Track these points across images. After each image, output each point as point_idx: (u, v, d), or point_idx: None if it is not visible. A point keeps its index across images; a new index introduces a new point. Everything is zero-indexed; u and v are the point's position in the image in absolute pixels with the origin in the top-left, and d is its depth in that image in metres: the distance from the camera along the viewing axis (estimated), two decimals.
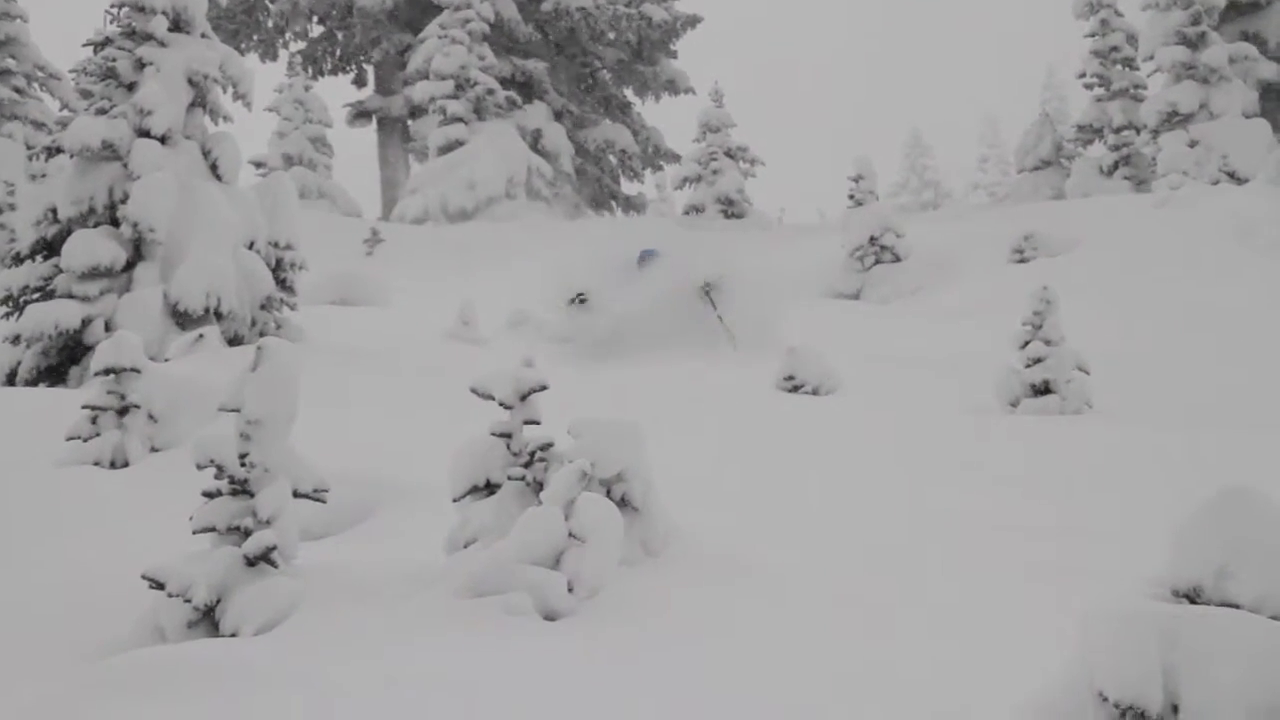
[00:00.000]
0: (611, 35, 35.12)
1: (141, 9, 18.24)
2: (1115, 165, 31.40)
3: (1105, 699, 5.69)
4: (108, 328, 17.03)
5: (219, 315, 17.70)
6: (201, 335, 17.22)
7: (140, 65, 18.32)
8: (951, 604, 8.43)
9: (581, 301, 19.47)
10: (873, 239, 26.86)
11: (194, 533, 8.21)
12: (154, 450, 12.92)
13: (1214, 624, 5.71)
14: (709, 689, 6.79)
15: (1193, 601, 5.90)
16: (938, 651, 7.31)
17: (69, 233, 17.95)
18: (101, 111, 18.20)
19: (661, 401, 14.07)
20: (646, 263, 21.34)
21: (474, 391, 8.91)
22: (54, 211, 18.13)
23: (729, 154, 33.79)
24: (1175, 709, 5.61)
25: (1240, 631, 5.70)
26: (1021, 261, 24.88)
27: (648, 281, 20.33)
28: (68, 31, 20.52)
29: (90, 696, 6.76)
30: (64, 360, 17.53)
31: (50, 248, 18.13)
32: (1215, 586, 5.89)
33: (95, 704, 6.59)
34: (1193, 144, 28.42)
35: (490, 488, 8.83)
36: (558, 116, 34.33)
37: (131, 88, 18.28)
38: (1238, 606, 5.83)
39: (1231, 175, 28.25)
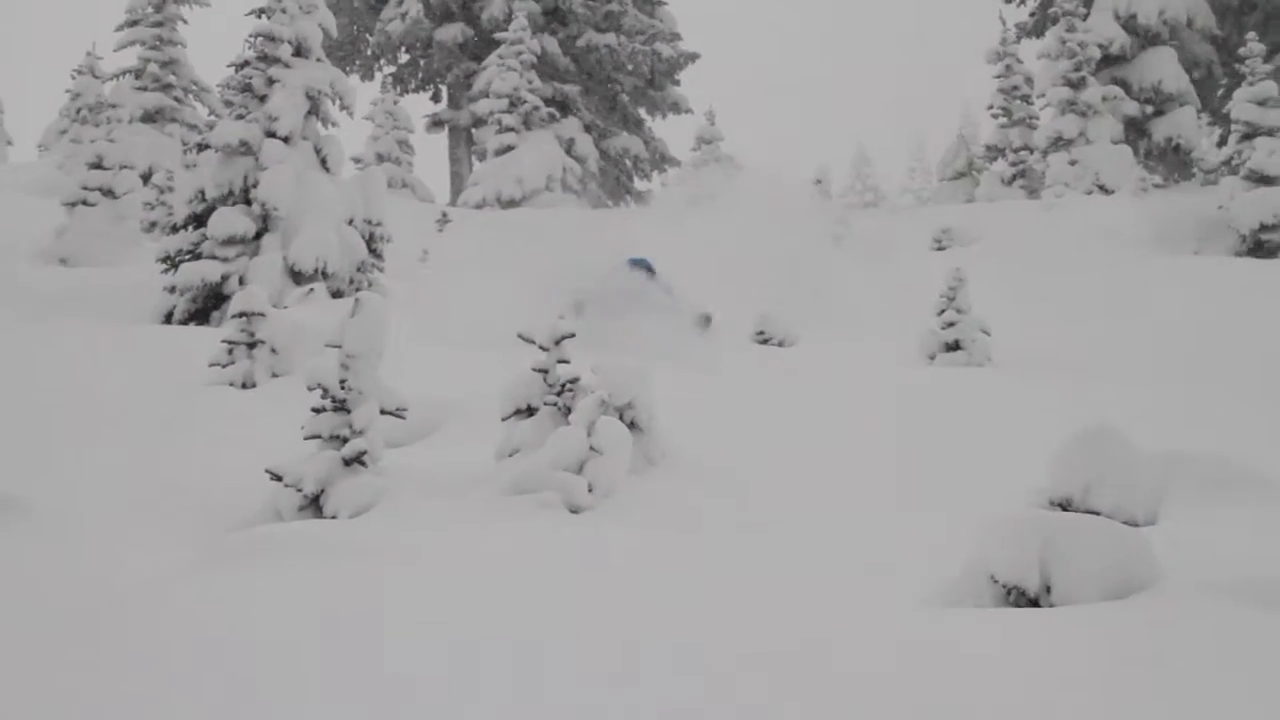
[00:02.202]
0: (630, 67, 35.05)
1: (272, 39, 18.25)
2: (1013, 178, 31.29)
3: (996, 581, 5.76)
4: (241, 282, 17.06)
5: (325, 275, 17.71)
6: (312, 289, 17.26)
7: (270, 82, 18.32)
8: (878, 506, 8.49)
9: (579, 310, 16.64)
10: (828, 230, 26.87)
11: (304, 439, 8.26)
12: (274, 376, 12.95)
13: (1079, 526, 5.77)
14: (678, 555, 6.95)
15: (1064, 509, 5.96)
16: (865, 544, 7.36)
17: (213, 209, 17.97)
18: (240, 117, 18.22)
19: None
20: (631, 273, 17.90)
21: (520, 336, 8.97)
22: (202, 193, 18.14)
23: (718, 161, 33.85)
24: (1049, 589, 5.67)
25: (1099, 532, 5.75)
26: (940, 250, 24.84)
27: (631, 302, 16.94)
28: (216, 53, 20.48)
29: (226, 559, 6.81)
30: (207, 306, 17.54)
31: (199, 220, 18.15)
32: (1082, 499, 5.95)
33: (230, 565, 6.63)
34: (1073, 163, 28.33)
35: (530, 411, 8.89)
36: (587, 129, 34.25)
37: (263, 99, 18.27)
38: (1098, 514, 5.90)
39: (1102, 188, 28.20)
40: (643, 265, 17.94)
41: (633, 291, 17.13)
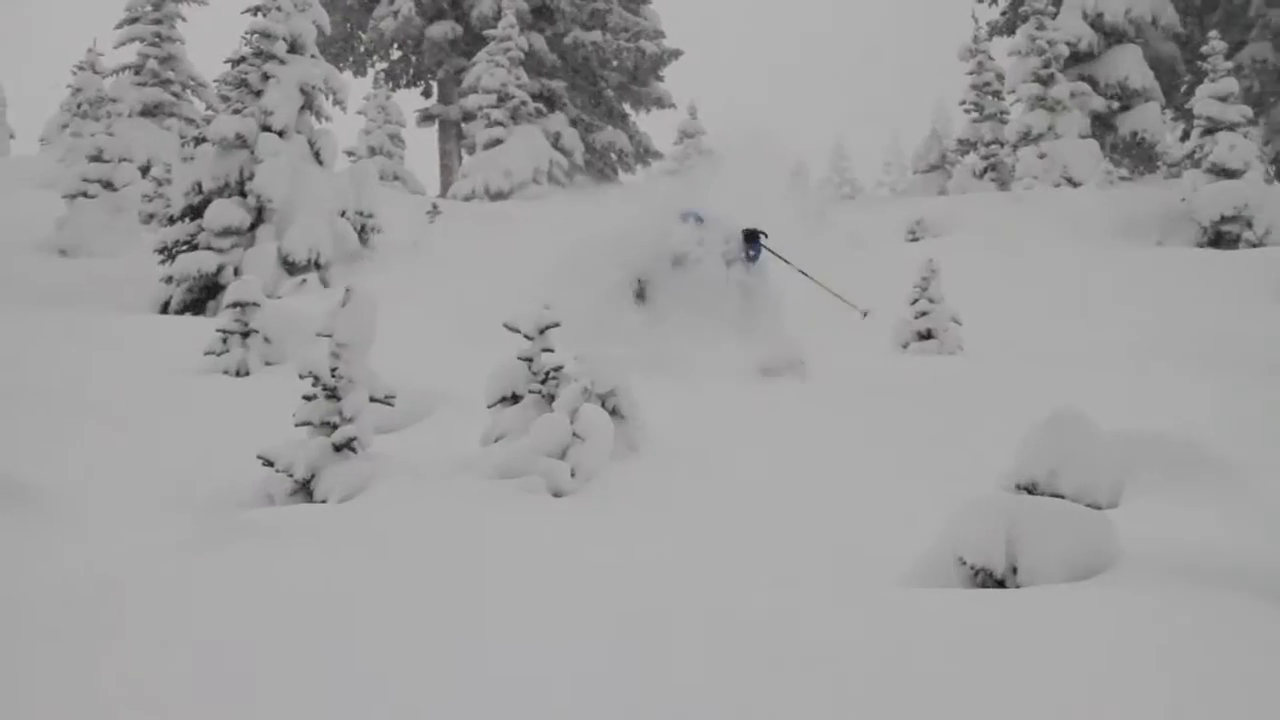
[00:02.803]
0: (615, 63, 35.02)
1: (268, 36, 18.25)
2: (985, 170, 31.31)
3: (964, 562, 5.76)
4: (236, 272, 17.08)
5: (318, 265, 17.74)
6: (305, 280, 17.28)
7: (265, 77, 18.32)
8: (851, 489, 8.49)
9: (640, 296, 14.06)
10: (805, 222, 26.76)
11: (295, 425, 8.25)
12: (268, 364, 12.95)
13: (1045, 509, 5.77)
14: (654, 536, 7.04)
15: (1030, 493, 5.94)
16: (838, 525, 7.36)
17: (209, 201, 18.00)
18: (236, 111, 18.22)
19: None
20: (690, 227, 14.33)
21: (506, 326, 8.96)
22: (199, 185, 18.16)
23: (700, 154, 33.83)
24: (1015, 570, 5.67)
25: (1063, 515, 5.76)
26: (914, 240, 24.87)
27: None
28: (213, 50, 20.45)
29: (218, 540, 6.82)
30: (203, 296, 17.54)
31: (196, 212, 18.15)
32: (1047, 482, 5.93)
33: (222, 546, 6.64)
34: (1042, 156, 28.35)
35: (515, 398, 8.89)
36: (573, 123, 34.21)
37: (258, 94, 18.28)
38: (1063, 497, 5.89)
39: (1070, 181, 28.23)
40: (694, 218, 14.51)
41: (698, 259, 14.14)
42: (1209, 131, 24.32)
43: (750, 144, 16.03)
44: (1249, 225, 23.37)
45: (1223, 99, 24.16)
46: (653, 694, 4.27)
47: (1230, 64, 26.14)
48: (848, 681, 4.38)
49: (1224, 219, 23.45)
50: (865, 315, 14.59)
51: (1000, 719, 4.09)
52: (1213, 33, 26.92)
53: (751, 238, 14.26)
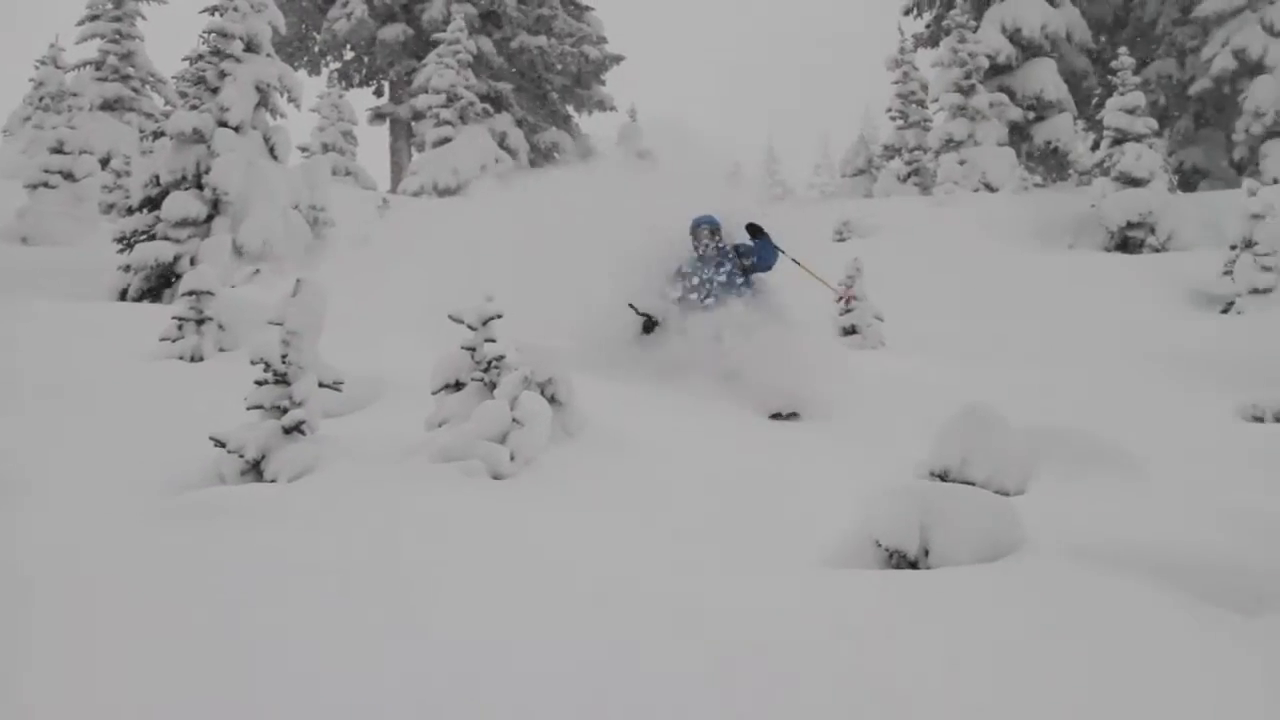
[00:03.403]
0: (559, 67, 35.05)
1: (225, 35, 18.13)
2: (908, 175, 31.49)
3: (880, 545, 5.81)
4: (192, 262, 16.95)
5: (271, 256, 17.64)
6: (258, 270, 17.17)
7: (222, 75, 18.19)
8: (777, 475, 8.54)
9: (649, 328, 12.57)
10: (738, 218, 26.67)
11: (247, 409, 8.22)
12: (221, 350, 12.88)
13: (956, 495, 5.82)
14: (588, 518, 7.04)
15: (943, 480, 6.01)
16: (763, 509, 7.40)
17: (167, 193, 17.86)
18: (194, 107, 18.09)
19: None
20: (700, 235, 12.80)
21: (450, 318, 8.95)
22: (157, 177, 18.02)
23: (640, 156, 33.76)
24: (927, 553, 5.72)
25: (972, 501, 5.81)
26: (840, 240, 24.95)
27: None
28: (171, 47, 20.32)
29: (171, 518, 6.82)
30: (160, 284, 17.41)
31: (154, 203, 18.01)
32: (959, 470, 6.00)
33: (175, 524, 6.64)
34: (962, 162, 28.52)
35: (459, 385, 8.88)
36: (519, 124, 34.20)
37: (215, 91, 18.14)
38: (973, 484, 5.95)
39: (988, 186, 28.43)
40: (709, 224, 12.98)
41: (712, 278, 12.71)
42: (1117, 142, 24.55)
43: (683, 144, 15.34)
44: (1152, 231, 23.63)
45: (1130, 111, 24.38)
46: (566, 650, 4.44)
47: (1138, 79, 26.40)
48: (754, 652, 4.45)
49: (1130, 225, 23.70)
50: (839, 300, 13.83)
51: (902, 687, 4.18)
52: (1122, 49, 27.17)
53: (755, 232, 12.91)
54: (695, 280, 12.73)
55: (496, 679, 4.21)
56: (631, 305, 12.61)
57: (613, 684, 4.16)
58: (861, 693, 4.08)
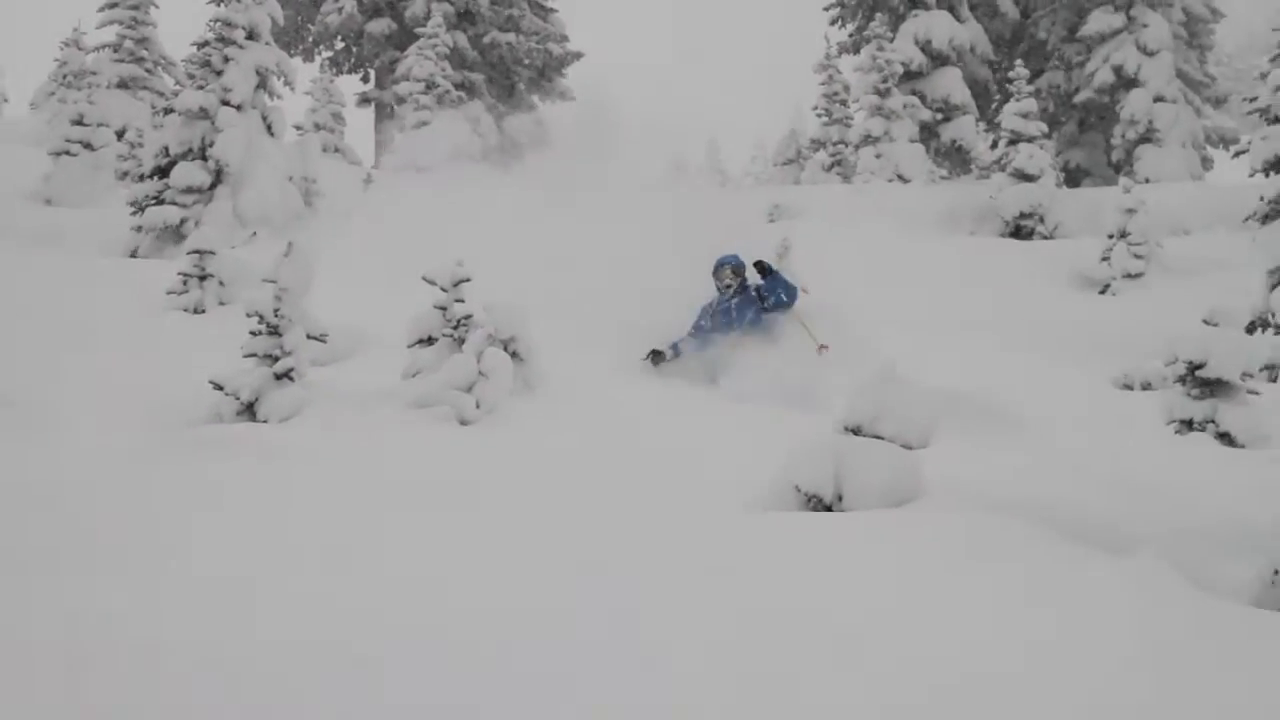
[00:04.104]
0: (526, 61, 34.87)
1: (229, 24, 17.93)
2: (832, 166, 31.50)
3: (799, 490, 5.82)
4: (196, 225, 16.78)
5: (267, 222, 17.49)
6: (255, 234, 17.01)
7: (226, 59, 17.98)
8: (717, 427, 8.56)
9: (655, 362, 11.40)
10: (683, 202, 26.71)
11: (243, 356, 8.17)
12: (221, 304, 12.78)
13: (866, 447, 5.84)
14: (541, 454, 7.18)
15: (856, 434, 6.02)
16: (704, 457, 7.41)
17: (175, 164, 17.67)
18: (200, 88, 17.87)
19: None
20: (723, 275, 11.74)
21: (424, 279, 8.91)
22: (167, 149, 17.81)
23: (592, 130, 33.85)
24: (840, 498, 5.74)
25: (881, 453, 5.83)
26: (772, 221, 24.91)
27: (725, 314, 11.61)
28: (181, 33, 20.10)
29: (175, 449, 6.85)
30: (168, 244, 17.24)
31: (163, 172, 17.81)
32: (869, 426, 6.01)
33: (179, 454, 6.66)
34: (878, 156, 28.56)
35: (431, 340, 8.85)
36: (489, 110, 34.00)
37: (220, 73, 17.93)
38: (881, 439, 5.97)
39: (900, 177, 28.50)
40: (732, 264, 11.94)
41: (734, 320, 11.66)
42: (1013, 142, 24.62)
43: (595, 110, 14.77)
44: (1041, 221, 23.77)
45: (1024, 116, 24.45)
46: (511, 563, 4.49)
47: (1031, 88, 26.48)
48: (692, 576, 4.48)
49: (1022, 215, 23.81)
50: (821, 350, 11.30)
51: (817, 601, 4.24)
52: (1018, 62, 27.29)
53: (764, 270, 11.91)
54: (721, 320, 11.69)
55: (448, 571, 4.26)
56: (652, 354, 11.52)
57: (526, 562, 4.18)
58: (767, 609, 4.10)
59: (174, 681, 3.38)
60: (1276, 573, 4.94)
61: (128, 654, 3.53)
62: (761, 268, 11.92)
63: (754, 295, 11.80)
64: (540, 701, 3.32)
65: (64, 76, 29.43)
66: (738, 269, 11.90)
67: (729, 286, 11.86)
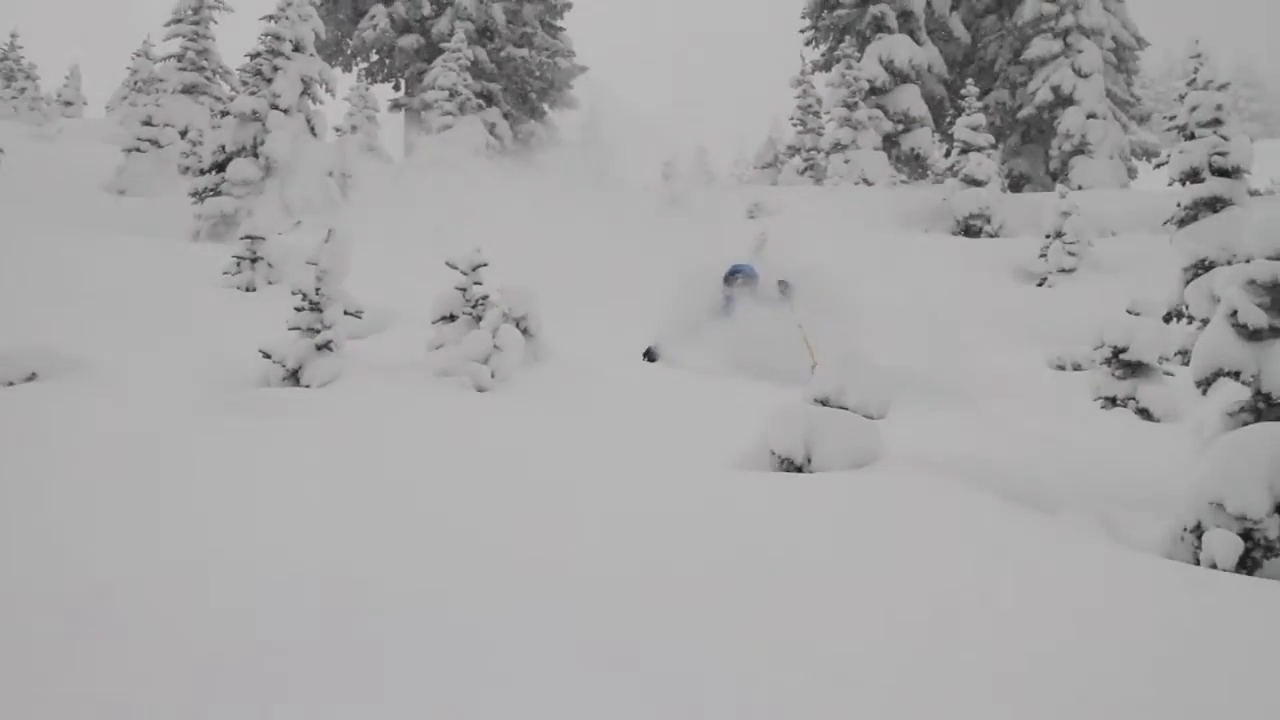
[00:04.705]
0: (538, 74, 34.77)
1: (278, 38, 17.87)
2: (805, 169, 31.42)
3: (774, 453, 5.85)
4: (248, 214, 16.77)
5: (310, 211, 17.47)
6: (299, 222, 16.98)
7: (275, 69, 17.91)
8: (699, 401, 8.58)
9: (650, 359, 10.70)
10: (674, 199, 26.78)
11: (288, 329, 8.17)
12: (270, 283, 12.78)
13: (833, 417, 5.86)
14: (546, 419, 7.14)
15: (824, 405, 6.04)
16: (686, 425, 7.43)
17: (231, 160, 17.62)
18: (252, 93, 17.81)
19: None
20: (734, 283, 11.02)
21: (447, 264, 8.91)
22: (223, 147, 17.77)
23: (599, 145, 33.87)
24: (810, 460, 5.77)
25: (845, 422, 5.85)
26: (752, 218, 24.87)
27: (736, 310, 10.84)
28: (237, 45, 20.03)
29: (229, 409, 6.86)
30: (224, 230, 17.23)
31: (220, 167, 17.77)
32: (836, 398, 6.03)
33: (232, 413, 6.67)
34: (847, 162, 28.49)
35: (452, 317, 8.84)
36: (505, 116, 33.91)
37: (270, 81, 17.86)
38: (846, 409, 5.99)
39: (866, 181, 28.43)
40: (743, 272, 11.17)
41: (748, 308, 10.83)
42: (964, 151, 24.58)
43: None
44: (988, 221, 23.76)
45: (974, 129, 24.39)
46: (520, 510, 4.47)
47: (981, 104, 26.42)
48: (683, 522, 4.53)
49: (972, 215, 23.80)
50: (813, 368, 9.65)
51: (790, 542, 4.32)
52: (969, 81, 27.30)
53: (785, 288, 11.11)
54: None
55: (460, 512, 4.29)
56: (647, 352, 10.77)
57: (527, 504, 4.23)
58: (739, 549, 4.15)
59: (268, 586, 3.41)
60: (1185, 530, 4.99)
61: (234, 557, 3.57)
62: (783, 285, 11.06)
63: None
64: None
65: (135, 83, 29.47)
66: (751, 277, 10.99)
67: (737, 296, 10.94)
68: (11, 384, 7.54)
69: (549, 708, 2.89)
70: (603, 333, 11.05)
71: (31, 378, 7.63)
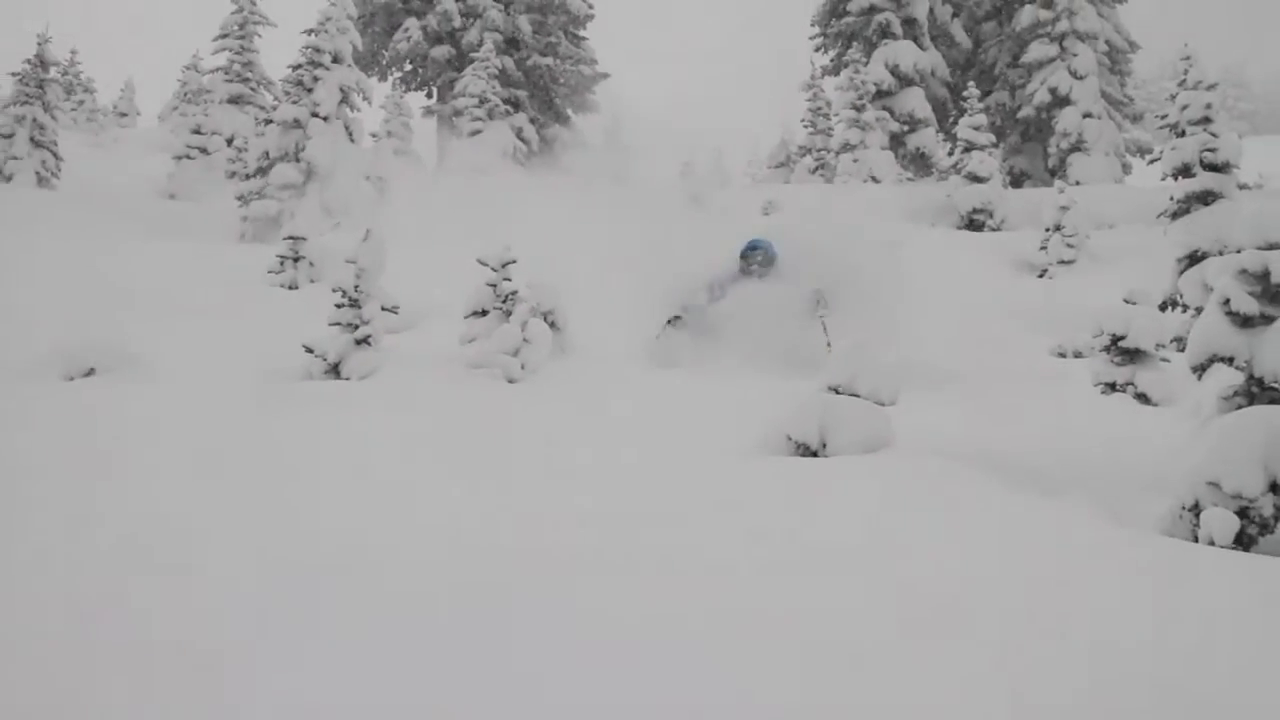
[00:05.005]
0: (562, 81, 34.76)
1: (318, 50, 17.92)
2: (816, 169, 31.33)
3: (790, 439, 5.83)
4: (290, 216, 16.80)
5: (348, 213, 17.52)
6: (338, 223, 17.03)
7: (315, 79, 17.95)
8: (720, 391, 8.55)
9: (675, 321, 10.14)
10: (694, 198, 26.69)
11: (329, 325, 8.19)
12: (311, 282, 12.83)
13: (846, 404, 5.83)
14: (567, 407, 7.15)
15: (837, 393, 6.02)
16: (713, 412, 7.41)
17: (274, 165, 17.68)
18: (294, 102, 17.86)
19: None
20: (752, 260, 10.16)
21: (479, 261, 8.91)
22: (267, 153, 17.83)
23: (619, 149, 33.84)
24: (824, 445, 5.74)
25: (858, 408, 5.82)
26: (766, 215, 24.78)
27: (752, 286, 10.01)
28: (279, 57, 20.09)
29: (274, 401, 6.89)
30: (268, 231, 17.29)
31: (264, 172, 17.84)
32: (848, 386, 6.00)
33: (277, 405, 6.70)
34: (855, 161, 28.34)
35: (484, 312, 8.85)
36: (531, 121, 33.92)
37: (310, 91, 17.91)
38: (858, 396, 5.96)
39: (874, 179, 28.32)
40: (762, 249, 10.20)
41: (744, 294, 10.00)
42: (967, 150, 24.44)
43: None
44: (990, 215, 23.64)
45: (976, 128, 24.24)
46: (551, 486, 4.56)
47: (982, 105, 26.31)
48: (708, 500, 4.55)
49: (975, 210, 23.68)
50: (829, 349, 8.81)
51: (809, 519, 4.38)
52: (971, 83, 27.16)
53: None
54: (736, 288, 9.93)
55: (492, 480, 4.27)
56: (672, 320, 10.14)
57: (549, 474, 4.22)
58: (754, 527, 4.15)
59: (304, 538, 3.41)
60: (1184, 509, 4.95)
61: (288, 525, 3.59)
62: (817, 296, 10.04)
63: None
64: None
65: (184, 94, 29.62)
66: (769, 258, 10.16)
67: (754, 270, 10.21)
68: (71, 379, 7.58)
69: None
70: (621, 321, 11.03)
71: (90, 373, 7.68)
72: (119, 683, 2.75)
